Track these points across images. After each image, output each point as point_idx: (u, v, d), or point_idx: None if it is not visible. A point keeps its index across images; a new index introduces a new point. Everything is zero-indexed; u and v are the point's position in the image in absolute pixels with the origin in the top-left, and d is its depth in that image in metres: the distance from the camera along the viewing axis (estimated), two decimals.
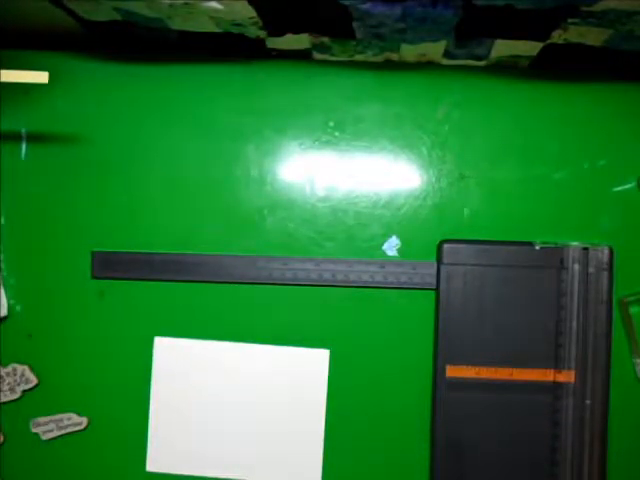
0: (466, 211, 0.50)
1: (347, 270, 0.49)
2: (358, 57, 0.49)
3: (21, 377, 0.51)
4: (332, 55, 0.49)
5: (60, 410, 0.51)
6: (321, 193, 0.51)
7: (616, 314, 0.49)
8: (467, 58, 0.49)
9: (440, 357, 0.48)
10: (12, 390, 0.50)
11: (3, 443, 0.51)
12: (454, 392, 0.48)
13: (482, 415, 0.48)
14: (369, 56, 0.49)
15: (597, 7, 0.39)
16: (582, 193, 0.50)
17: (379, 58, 0.50)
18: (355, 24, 0.43)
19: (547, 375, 0.48)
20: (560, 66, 0.49)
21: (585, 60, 0.48)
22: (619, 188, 0.50)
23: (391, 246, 0.50)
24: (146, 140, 0.51)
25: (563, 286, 0.48)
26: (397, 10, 0.41)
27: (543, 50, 0.46)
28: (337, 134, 0.51)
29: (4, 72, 0.43)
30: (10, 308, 0.51)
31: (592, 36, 0.43)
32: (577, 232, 0.49)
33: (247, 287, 0.50)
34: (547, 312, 0.48)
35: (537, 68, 0.49)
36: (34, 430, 0.51)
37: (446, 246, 0.49)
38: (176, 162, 0.51)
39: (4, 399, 0.50)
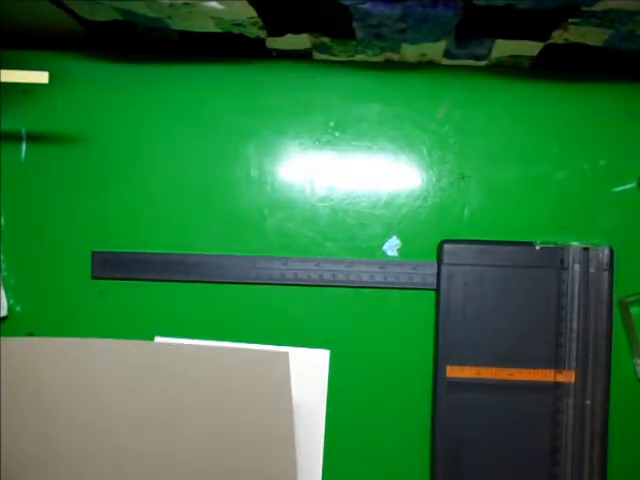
0: (466, 211, 0.50)
1: (347, 270, 0.49)
2: (358, 57, 0.49)
3: None
4: (332, 55, 0.49)
5: None
6: (321, 193, 0.51)
7: (616, 314, 0.49)
8: (467, 58, 0.49)
9: (440, 357, 0.48)
10: None
11: None
12: (454, 392, 0.48)
13: (482, 415, 0.48)
14: (369, 56, 0.49)
15: (597, 7, 0.39)
16: (582, 193, 0.50)
17: (379, 58, 0.50)
18: (355, 24, 0.43)
19: (547, 375, 0.48)
20: (560, 66, 0.49)
21: (585, 60, 0.48)
22: (619, 188, 0.50)
23: (391, 246, 0.50)
24: (146, 140, 0.51)
25: (563, 286, 0.48)
26: (397, 10, 0.41)
27: (543, 50, 0.46)
28: (337, 134, 0.51)
29: (4, 72, 0.43)
30: (10, 308, 0.51)
31: (592, 36, 0.43)
32: (577, 232, 0.49)
33: (247, 287, 0.50)
34: (547, 312, 0.48)
35: (537, 68, 0.49)
36: None
37: (446, 246, 0.49)
38: (176, 162, 0.51)
39: None
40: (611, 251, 0.48)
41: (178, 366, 0.42)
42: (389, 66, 0.50)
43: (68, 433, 0.42)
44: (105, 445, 0.42)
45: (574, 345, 0.48)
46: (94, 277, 0.50)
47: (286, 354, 0.41)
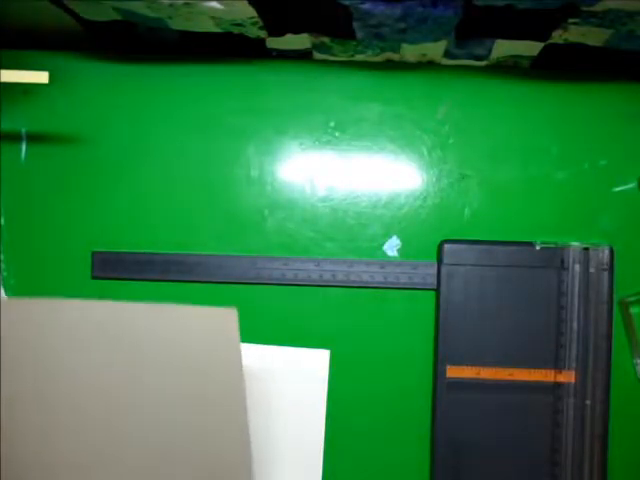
0: (466, 211, 0.50)
1: (347, 270, 0.49)
2: (358, 57, 0.49)
3: None
4: (332, 55, 0.49)
5: None
6: (321, 193, 0.51)
7: (616, 314, 0.49)
8: (467, 58, 0.49)
9: (440, 357, 0.48)
10: None
11: None
12: (454, 392, 0.48)
13: (482, 415, 0.48)
14: (369, 56, 0.49)
15: (597, 7, 0.39)
16: (583, 193, 0.50)
17: (379, 58, 0.50)
18: (355, 24, 0.43)
19: (547, 375, 0.48)
20: (560, 66, 0.49)
21: (585, 60, 0.48)
22: (619, 188, 0.50)
23: (392, 246, 0.50)
24: (146, 140, 0.51)
25: (563, 286, 0.48)
26: (397, 10, 0.41)
27: (543, 50, 0.46)
28: (337, 134, 0.51)
29: (4, 72, 0.43)
30: None
31: (593, 36, 0.43)
32: (577, 232, 0.49)
33: (247, 287, 0.50)
34: (547, 312, 0.48)
35: (537, 68, 0.49)
36: None
37: (447, 246, 0.49)
38: (176, 162, 0.51)
39: None
40: (611, 251, 0.48)
41: (126, 325, 0.41)
42: (389, 66, 0.50)
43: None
44: (63, 411, 0.42)
45: (574, 345, 0.48)
46: (94, 277, 0.50)
47: (233, 310, 0.40)
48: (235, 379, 0.41)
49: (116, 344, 0.41)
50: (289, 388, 0.50)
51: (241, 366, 0.41)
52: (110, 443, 0.42)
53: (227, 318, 0.40)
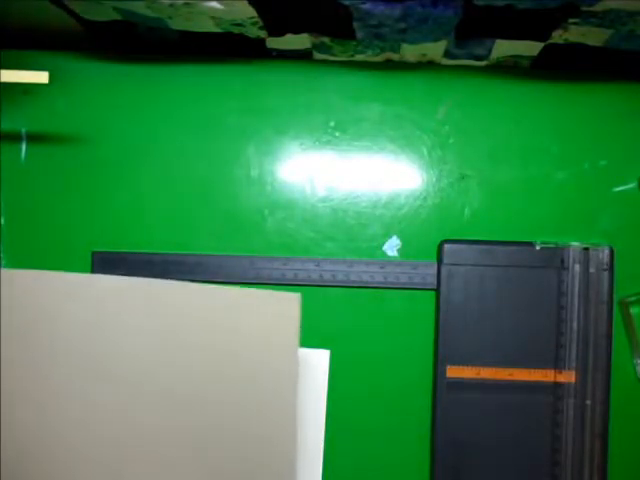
0: (467, 211, 0.50)
1: (347, 270, 0.49)
2: (358, 57, 0.49)
3: None
4: (332, 55, 0.49)
5: None
6: (321, 193, 0.51)
7: (617, 314, 0.49)
8: (467, 58, 0.49)
9: (440, 357, 0.48)
10: None
11: None
12: (454, 392, 0.48)
13: (482, 415, 0.48)
14: (369, 56, 0.49)
15: (597, 7, 0.39)
16: (583, 193, 0.50)
17: (379, 58, 0.50)
18: (356, 24, 0.43)
19: (547, 375, 0.48)
20: (560, 66, 0.49)
21: (585, 60, 0.48)
22: (620, 188, 0.50)
23: (392, 246, 0.50)
24: (146, 140, 0.51)
25: (563, 286, 0.48)
26: (397, 10, 0.41)
27: (543, 50, 0.46)
28: (337, 134, 0.51)
29: (4, 72, 0.43)
30: None
31: (592, 36, 0.43)
32: (577, 232, 0.49)
33: (247, 287, 0.50)
34: (547, 312, 0.48)
35: (537, 68, 0.49)
36: None
37: (447, 246, 0.49)
38: (176, 162, 0.51)
39: None
40: (611, 251, 0.48)
41: (185, 305, 0.39)
42: (389, 66, 0.50)
43: (65, 373, 0.40)
44: (107, 384, 0.40)
45: (574, 345, 0.48)
46: None
47: (297, 296, 0.39)
48: (290, 365, 0.39)
49: (175, 324, 0.39)
50: None
51: (297, 354, 0.39)
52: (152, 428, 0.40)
53: (290, 304, 0.39)
